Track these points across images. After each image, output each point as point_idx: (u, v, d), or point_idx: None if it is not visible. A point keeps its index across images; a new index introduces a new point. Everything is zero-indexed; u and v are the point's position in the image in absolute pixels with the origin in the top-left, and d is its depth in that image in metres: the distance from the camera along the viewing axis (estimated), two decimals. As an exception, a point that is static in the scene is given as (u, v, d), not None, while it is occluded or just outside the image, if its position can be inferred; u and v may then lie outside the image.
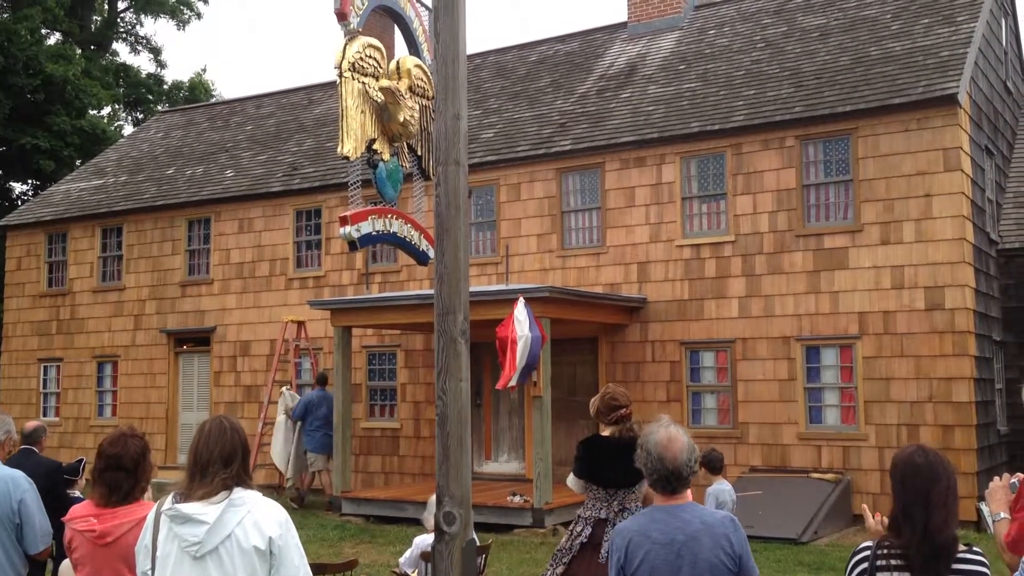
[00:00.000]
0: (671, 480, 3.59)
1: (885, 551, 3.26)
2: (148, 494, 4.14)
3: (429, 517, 6.68)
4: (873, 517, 3.67)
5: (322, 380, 15.78)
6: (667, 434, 3.62)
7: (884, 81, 14.13)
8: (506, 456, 16.42)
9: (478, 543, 5.16)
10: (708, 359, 14.78)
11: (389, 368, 17.40)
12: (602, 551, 5.81)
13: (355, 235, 5.05)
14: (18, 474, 5.05)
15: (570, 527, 6.09)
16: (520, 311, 12.02)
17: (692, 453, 3.61)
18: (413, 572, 6.71)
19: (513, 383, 12.05)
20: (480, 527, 10.57)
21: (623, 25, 19.74)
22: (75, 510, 4.09)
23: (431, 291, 4.35)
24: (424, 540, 6.59)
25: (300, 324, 17.49)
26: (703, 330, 14.72)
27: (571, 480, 6.14)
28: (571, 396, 15.80)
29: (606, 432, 6.05)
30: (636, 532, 3.59)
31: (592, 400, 6.26)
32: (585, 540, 5.89)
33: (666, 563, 3.49)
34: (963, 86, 13.45)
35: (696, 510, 3.63)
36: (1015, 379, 15.39)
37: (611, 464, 5.93)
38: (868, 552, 3.30)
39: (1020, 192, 16.77)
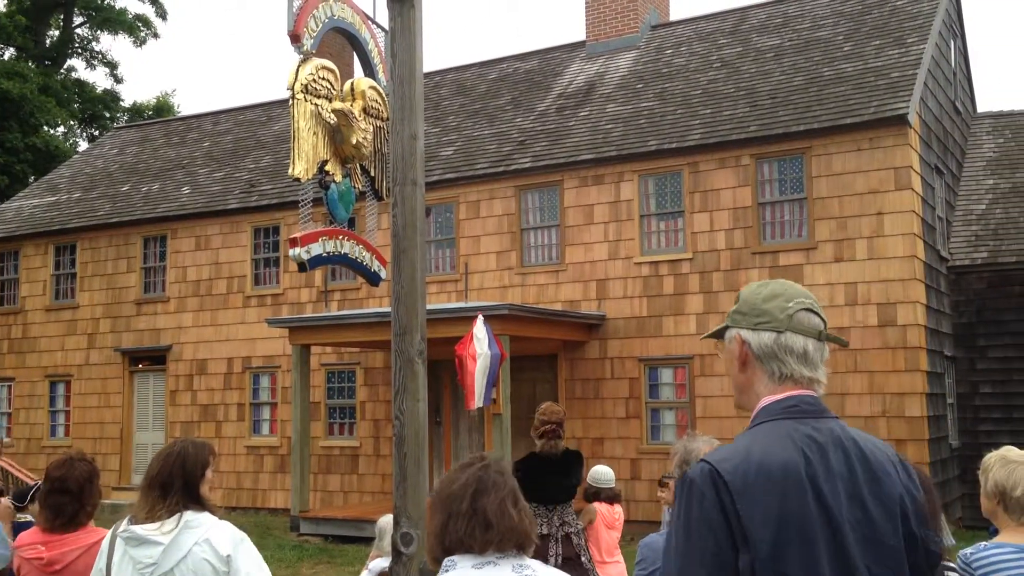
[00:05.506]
0: None
1: None
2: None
3: (379, 540, 6.63)
4: None
5: None
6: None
7: (836, 101, 14.38)
8: (466, 474, 16.36)
9: (436, 563, 5.14)
10: (667, 375, 14.87)
11: (348, 386, 17.30)
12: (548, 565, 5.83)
13: (305, 256, 5.02)
14: None
15: None
16: (479, 328, 12.01)
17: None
18: (370, 594, 6.64)
19: (480, 403, 12.02)
20: (439, 546, 10.55)
21: (581, 44, 19.90)
22: (23, 537, 4.00)
23: (390, 309, 4.35)
24: (378, 564, 6.54)
25: None
26: (661, 347, 14.82)
27: None
28: (531, 413, 15.69)
29: (538, 447, 6.18)
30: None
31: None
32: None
33: None
34: (913, 106, 13.72)
35: None
36: (966, 394, 15.67)
37: (547, 480, 6.00)
38: None
39: (969, 210, 17.12)
